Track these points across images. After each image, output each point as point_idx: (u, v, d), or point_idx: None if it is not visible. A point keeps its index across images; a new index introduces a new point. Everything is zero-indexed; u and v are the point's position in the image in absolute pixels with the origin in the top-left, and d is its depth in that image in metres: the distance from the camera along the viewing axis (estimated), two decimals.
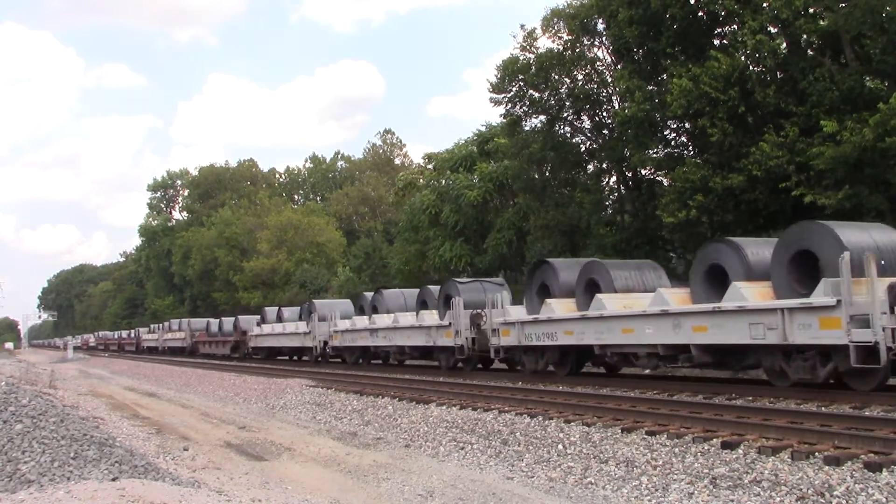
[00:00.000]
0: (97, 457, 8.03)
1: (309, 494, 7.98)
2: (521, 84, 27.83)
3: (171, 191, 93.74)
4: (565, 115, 28.45)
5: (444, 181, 37.14)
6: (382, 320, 24.09)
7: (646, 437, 9.39)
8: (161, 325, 57.32)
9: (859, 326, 10.23)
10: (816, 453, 7.58)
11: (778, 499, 6.65)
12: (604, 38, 26.90)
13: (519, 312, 18.03)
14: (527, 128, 29.20)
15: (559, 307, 16.55)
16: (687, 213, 20.12)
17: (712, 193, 19.99)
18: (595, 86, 27.80)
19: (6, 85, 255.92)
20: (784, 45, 20.64)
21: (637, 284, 15.92)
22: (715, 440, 8.68)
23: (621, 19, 23.20)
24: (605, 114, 28.38)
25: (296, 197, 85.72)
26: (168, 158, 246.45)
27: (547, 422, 10.98)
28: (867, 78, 18.82)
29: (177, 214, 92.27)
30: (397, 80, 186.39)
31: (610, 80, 27.41)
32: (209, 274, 69.96)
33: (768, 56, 19.64)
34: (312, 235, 60.01)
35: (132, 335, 67.11)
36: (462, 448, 10.24)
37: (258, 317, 37.47)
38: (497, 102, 28.76)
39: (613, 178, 29.68)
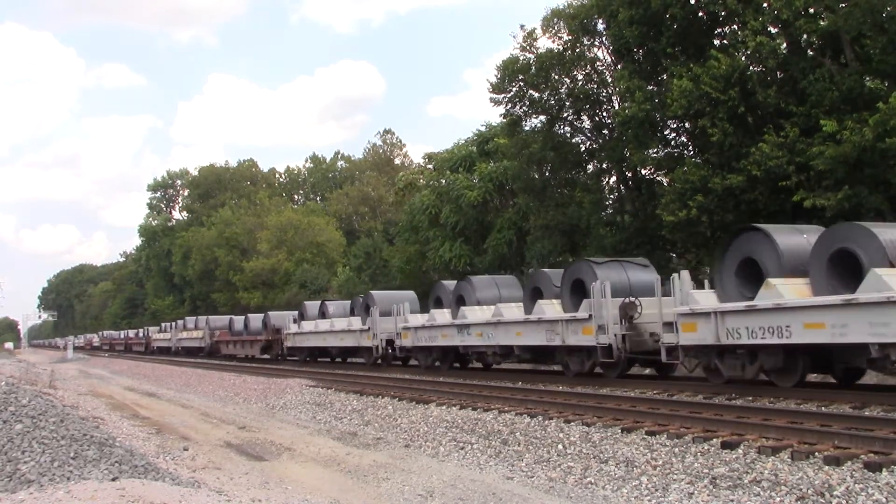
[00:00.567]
0: (97, 457, 8.02)
1: (309, 494, 7.98)
2: (521, 84, 27.84)
3: (171, 191, 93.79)
4: (565, 115, 28.45)
5: (443, 181, 37.13)
6: (475, 314, 19.80)
7: (646, 437, 9.39)
8: (174, 323, 53.91)
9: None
10: (816, 453, 7.59)
11: (778, 499, 6.64)
12: (604, 38, 26.92)
13: (710, 300, 13.42)
14: (527, 128, 29.21)
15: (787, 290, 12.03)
16: (687, 212, 20.13)
17: (712, 193, 20.01)
18: (595, 86, 27.81)
19: (7, 85, 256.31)
20: (784, 45, 20.64)
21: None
22: (715, 440, 8.68)
23: (621, 19, 23.21)
24: (605, 114, 28.40)
25: (296, 197, 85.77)
26: (168, 158, 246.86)
27: (547, 422, 10.98)
28: (867, 78, 18.83)
29: (177, 214, 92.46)
30: (397, 80, 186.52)
31: (610, 80, 27.42)
32: (209, 274, 69.98)
33: (769, 56, 19.64)
34: (312, 235, 60.04)
35: (141, 335, 64.22)
36: (462, 448, 10.24)
37: (293, 313, 33.74)
38: (497, 102, 28.79)
39: (613, 178, 29.72)
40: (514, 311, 18.67)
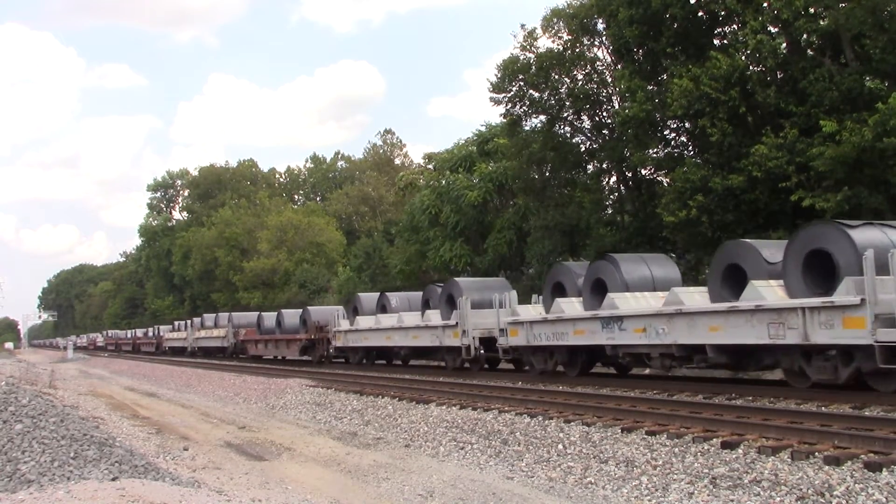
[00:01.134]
0: (97, 457, 8.03)
1: (309, 494, 7.98)
2: (521, 84, 27.82)
3: (171, 191, 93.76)
4: (565, 115, 28.44)
5: (444, 181, 37.14)
6: (628, 303, 15.19)
7: (646, 436, 9.39)
8: (190, 321, 49.29)
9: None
10: (816, 453, 7.58)
11: (778, 499, 6.65)
12: (604, 38, 26.90)
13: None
14: (527, 128, 29.19)
15: None
16: (687, 212, 20.13)
17: (712, 193, 20.00)
18: (595, 86, 27.79)
19: (7, 85, 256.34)
20: (784, 44, 20.64)
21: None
22: (715, 440, 8.68)
23: (621, 19, 23.20)
24: (605, 114, 28.39)
25: (296, 197, 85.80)
26: (168, 158, 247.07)
27: (547, 422, 10.98)
28: (867, 78, 18.82)
29: (177, 214, 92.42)
30: (397, 80, 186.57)
31: (610, 80, 27.41)
32: (209, 274, 69.98)
33: (769, 56, 19.64)
34: (312, 235, 60.05)
35: (151, 334, 59.79)
36: (462, 448, 10.24)
37: (336, 308, 30.08)
38: (497, 102, 28.76)
39: (613, 178, 29.70)
40: (696, 297, 14.07)
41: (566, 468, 8.54)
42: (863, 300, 10.26)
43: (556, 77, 27.44)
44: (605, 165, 28.91)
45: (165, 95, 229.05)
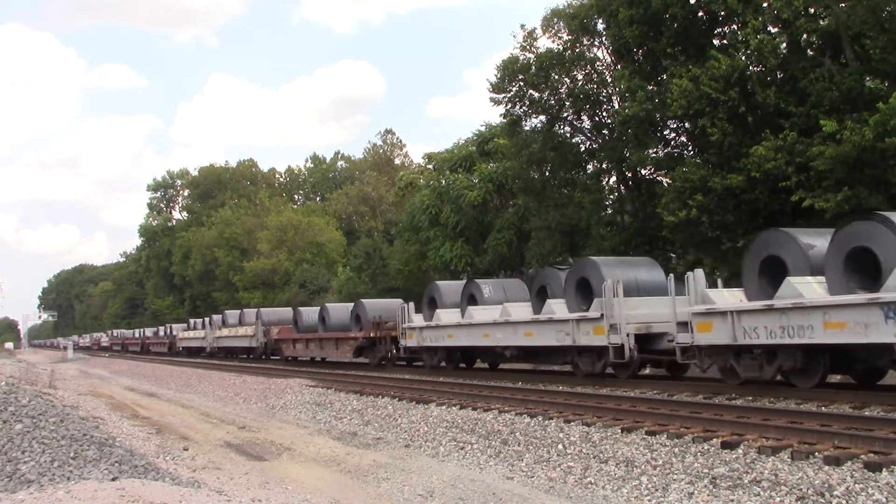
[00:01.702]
0: (97, 457, 8.03)
1: (309, 494, 7.98)
2: (521, 84, 27.80)
3: (171, 191, 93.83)
4: (565, 115, 28.42)
5: (443, 181, 37.13)
6: None
7: (646, 437, 9.39)
8: (208, 319, 44.71)
9: None
10: (816, 453, 7.59)
11: (778, 499, 6.64)
12: (604, 38, 26.89)
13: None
14: (527, 128, 29.17)
15: None
16: (687, 212, 20.13)
17: (712, 193, 20.00)
18: (595, 86, 27.77)
19: (8, 85, 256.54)
20: (784, 44, 20.64)
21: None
22: (715, 440, 8.68)
23: (621, 19, 23.20)
24: (604, 114, 28.37)
25: (296, 197, 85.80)
26: (168, 158, 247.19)
27: (547, 422, 10.98)
28: (867, 78, 18.82)
29: (177, 214, 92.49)
30: (397, 80, 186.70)
31: (610, 80, 27.39)
32: (209, 274, 70.01)
33: (769, 55, 19.64)
34: (312, 235, 60.04)
35: (162, 333, 55.69)
36: (462, 448, 10.24)
37: (395, 301, 26.12)
38: (497, 102, 28.75)
39: (613, 178, 29.68)
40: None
41: (566, 468, 8.54)
42: None
43: (556, 77, 27.42)
44: (604, 165, 28.89)
45: (165, 95, 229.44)
